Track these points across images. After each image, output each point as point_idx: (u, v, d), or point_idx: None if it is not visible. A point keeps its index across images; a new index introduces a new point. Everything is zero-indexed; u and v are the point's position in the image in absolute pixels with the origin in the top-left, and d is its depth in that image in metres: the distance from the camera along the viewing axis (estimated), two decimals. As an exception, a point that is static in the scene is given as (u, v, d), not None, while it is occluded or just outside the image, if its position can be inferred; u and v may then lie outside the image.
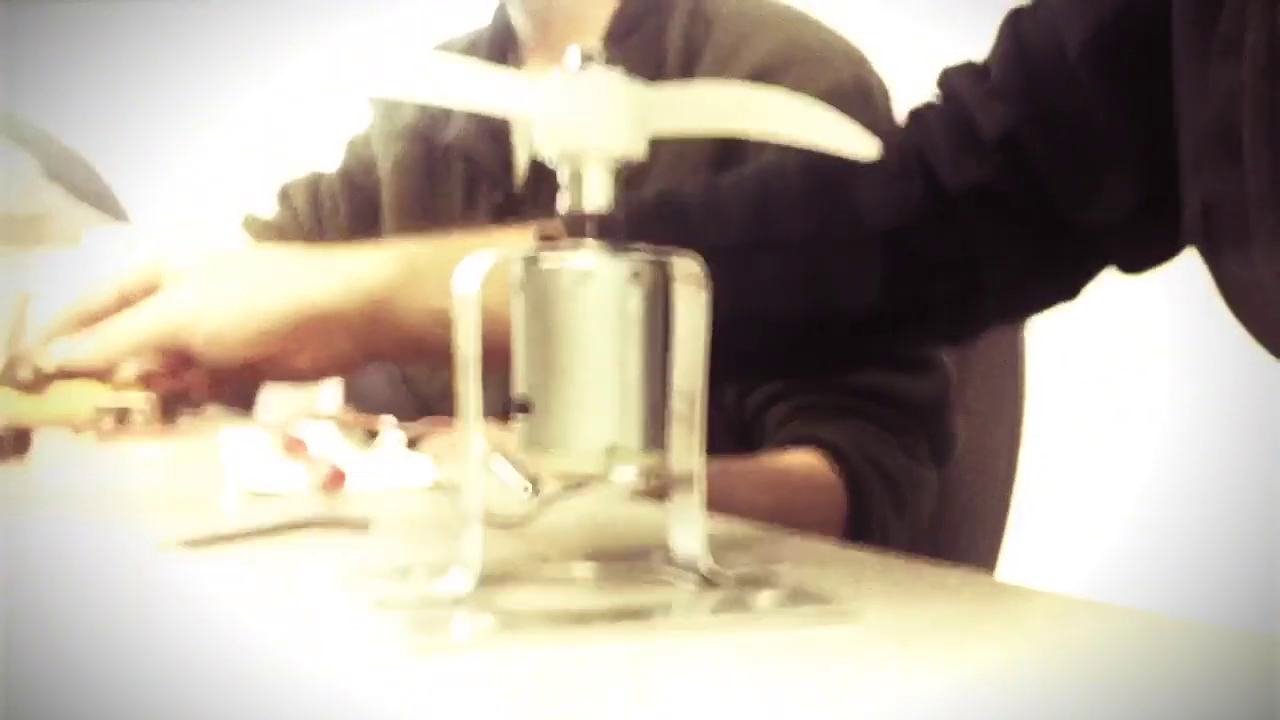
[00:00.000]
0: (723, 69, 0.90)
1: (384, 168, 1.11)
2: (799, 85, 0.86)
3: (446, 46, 1.13)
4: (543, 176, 0.90)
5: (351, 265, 0.64)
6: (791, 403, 0.87)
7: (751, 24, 0.93)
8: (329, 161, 1.21)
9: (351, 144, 1.19)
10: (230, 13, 2.56)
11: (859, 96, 0.90)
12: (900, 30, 1.55)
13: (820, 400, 0.86)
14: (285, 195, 1.20)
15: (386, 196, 1.10)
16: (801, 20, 0.95)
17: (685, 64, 0.93)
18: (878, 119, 0.91)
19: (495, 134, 1.00)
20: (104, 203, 1.41)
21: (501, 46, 1.05)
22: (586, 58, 0.36)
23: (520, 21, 1.02)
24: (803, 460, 0.82)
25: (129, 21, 2.50)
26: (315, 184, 1.19)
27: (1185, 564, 1.68)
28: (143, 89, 2.51)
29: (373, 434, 0.65)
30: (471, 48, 1.08)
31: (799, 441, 0.83)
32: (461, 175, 1.04)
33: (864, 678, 0.29)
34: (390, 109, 1.11)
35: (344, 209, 1.16)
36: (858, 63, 0.93)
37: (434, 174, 1.07)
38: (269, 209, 1.22)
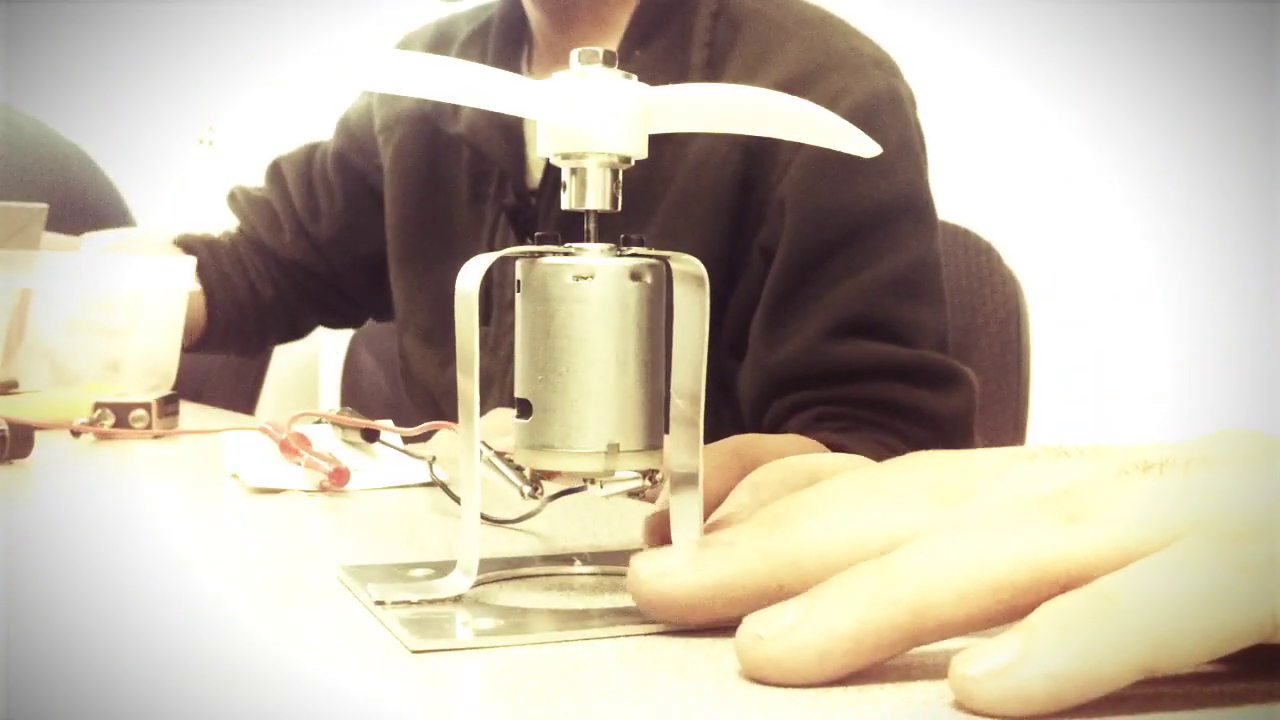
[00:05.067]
0: (751, 76, 0.87)
1: (385, 154, 1.08)
2: (832, 95, 0.84)
3: (448, 26, 1.10)
4: (560, 178, 0.87)
5: None
6: (812, 413, 0.86)
7: (780, 30, 0.90)
8: (323, 139, 1.17)
9: (345, 122, 1.14)
10: (231, 10, 2.56)
11: (891, 105, 0.88)
12: (915, 36, 1.56)
13: (840, 411, 0.85)
14: (276, 169, 1.17)
15: (387, 186, 1.08)
16: (832, 26, 0.92)
17: (711, 69, 0.90)
18: (908, 127, 0.90)
19: (508, 129, 0.97)
20: (106, 202, 1.41)
21: (515, 38, 1.02)
22: (595, 57, 0.36)
23: (536, 17, 0.99)
24: None
25: (129, 21, 2.49)
26: (308, 161, 1.16)
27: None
28: (143, 88, 2.51)
29: (371, 434, 0.65)
30: (479, 34, 1.05)
31: None
32: (468, 169, 1.01)
33: (864, 675, 0.29)
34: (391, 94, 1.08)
35: (338, 194, 1.13)
36: (889, 71, 0.91)
37: (437, 165, 1.03)
38: (257, 184, 1.19)
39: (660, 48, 0.92)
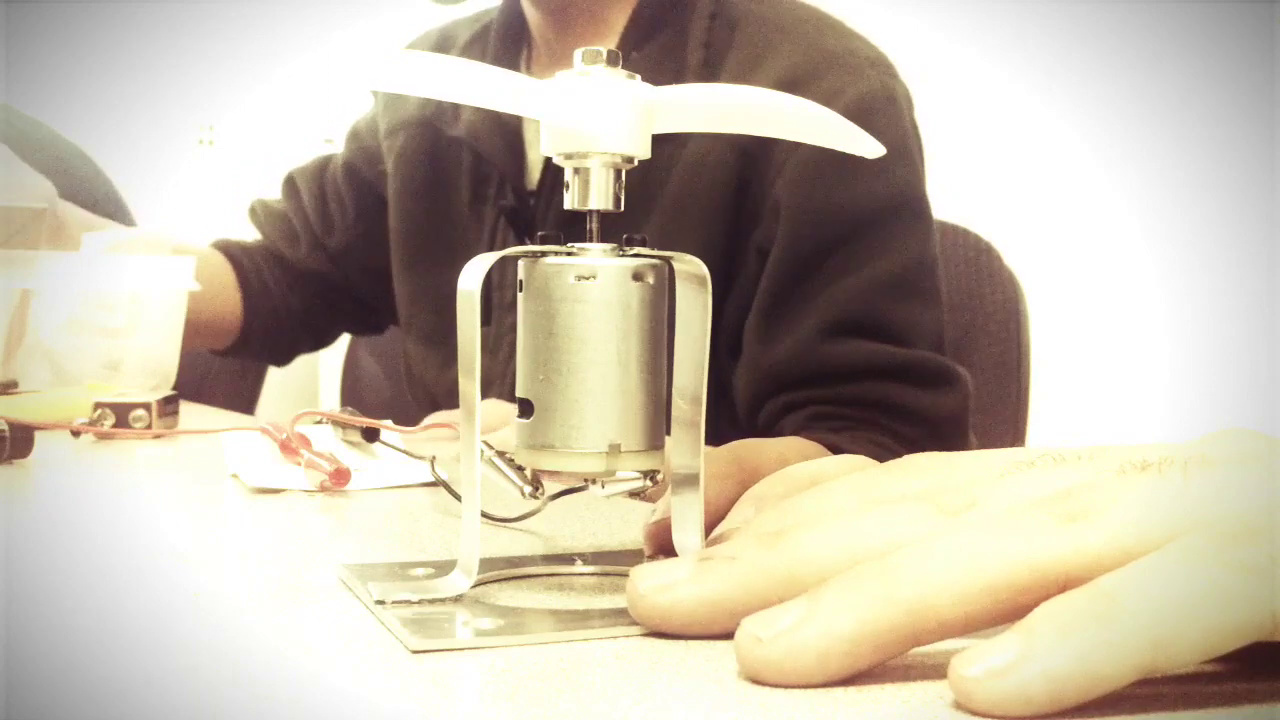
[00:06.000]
0: (747, 76, 0.87)
1: (388, 160, 1.09)
2: (827, 95, 0.84)
3: (450, 30, 1.11)
4: (559, 179, 0.88)
5: None
6: (806, 412, 0.86)
7: (777, 31, 0.90)
8: (335, 149, 1.19)
9: (355, 133, 1.17)
10: (231, 10, 2.56)
11: (886, 105, 0.88)
12: (915, 36, 1.56)
13: (835, 411, 0.85)
14: (291, 183, 1.19)
15: (390, 190, 1.09)
16: (827, 26, 0.92)
17: (708, 70, 0.90)
18: (903, 126, 0.90)
19: (507, 130, 0.97)
20: (107, 202, 1.41)
21: (514, 40, 1.03)
22: (598, 57, 0.36)
23: (534, 19, 0.99)
24: None
25: (129, 21, 2.49)
26: (321, 173, 1.17)
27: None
28: (143, 88, 2.51)
29: (372, 434, 0.65)
30: (479, 37, 1.06)
31: None
32: (469, 171, 1.02)
33: (864, 675, 0.29)
34: (393, 99, 1.09)
35: (350, 205, 1.14)
36: (885, 70, 0.91)
37: (438, 168, 1.04)
38: (276, 197, 1.21)
39: (657, 48, 0.92)
